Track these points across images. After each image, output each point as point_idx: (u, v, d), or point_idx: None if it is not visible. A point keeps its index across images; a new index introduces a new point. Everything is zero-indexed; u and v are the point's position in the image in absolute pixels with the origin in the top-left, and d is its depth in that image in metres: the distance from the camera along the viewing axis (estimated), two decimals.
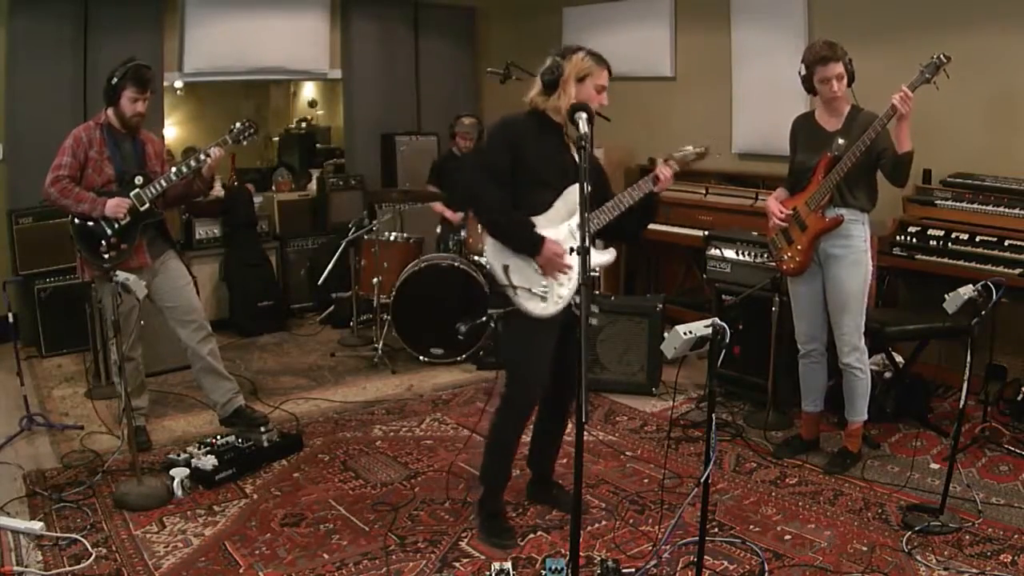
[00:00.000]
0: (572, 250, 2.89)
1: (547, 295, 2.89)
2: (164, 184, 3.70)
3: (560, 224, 2.94)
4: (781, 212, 3.54)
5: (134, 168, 3.73)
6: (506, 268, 2.89)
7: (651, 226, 5.99)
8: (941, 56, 3.17)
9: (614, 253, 3.13)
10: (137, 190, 3.68)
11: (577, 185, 2.92)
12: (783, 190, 3.64)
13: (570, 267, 2.91)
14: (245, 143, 3.97)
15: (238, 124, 3.91)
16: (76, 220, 3.68)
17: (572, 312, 2.94)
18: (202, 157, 3.74)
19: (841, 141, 3.35)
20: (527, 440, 3.31)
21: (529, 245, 2.87)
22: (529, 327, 2.90)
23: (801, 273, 3.55)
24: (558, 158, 2.95)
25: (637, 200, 2.99)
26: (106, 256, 3.58)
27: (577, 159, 2.96)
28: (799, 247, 3.50)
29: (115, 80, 3.63)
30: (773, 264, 4.23)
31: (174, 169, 3.72)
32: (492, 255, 2.94)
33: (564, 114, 2.85)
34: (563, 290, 2.92)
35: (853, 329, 3.47)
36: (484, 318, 4.71)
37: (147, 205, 3.69)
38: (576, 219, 2.93)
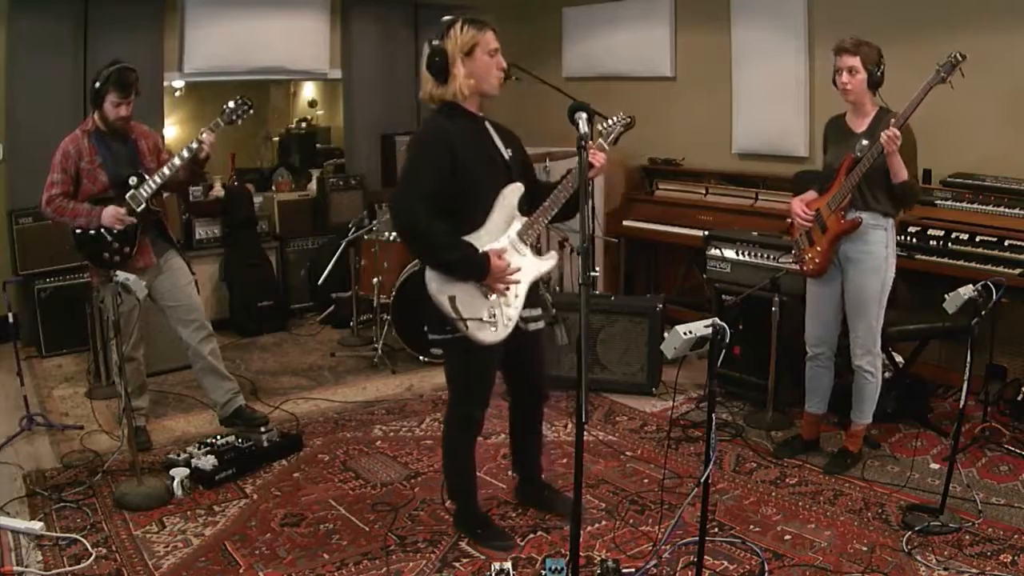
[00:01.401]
0: (572, 250, 2.87)
1: (496, 320, 2.75)
2: (159, 181, 3.67)
3: (500, 236, 2.79)
4: (805, 213, 3.54)
5: (128, 169, 3.70)
6: (452, 299, 2.70)
7: (651, 226, 5.97)
8: (957, 55, 3.14)
9: (555, 257, 3.01)
10: (132, 191, 3.66)
11: (511, 189, 2.80)
12: (813, 192, 3.63)
13: (518, 278, 2.79)
14: (240, 122, 3.83)
15: (231, 103, 3.78)
16: (77, 233, 3.67)
17: (519, 329, 2.85)
18: (194, 146, 3.66)
19: (864, 142, 3.33)
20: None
21: (477, 271, 2.70)
22: (473, 351, 2.77)
23: (821, 275, 3.54)
24: (487, 155, 2.79)
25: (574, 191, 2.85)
26: (110, 263, 3.59)
27: (501, 149, 2.83)
28: (819, 249, 3.49)
29: (98, 84, 3.59)
30: (773, 264, 4.25)
31: (167, 167, 3.67)
32: (436, 288, 2.71)
33: (472, 95, 2.73)
34: (511, 311, 2.79)
35: (867, 333, 3.47)
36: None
37: (143, 205, 3.68)
38: (515, 228, 2.82)
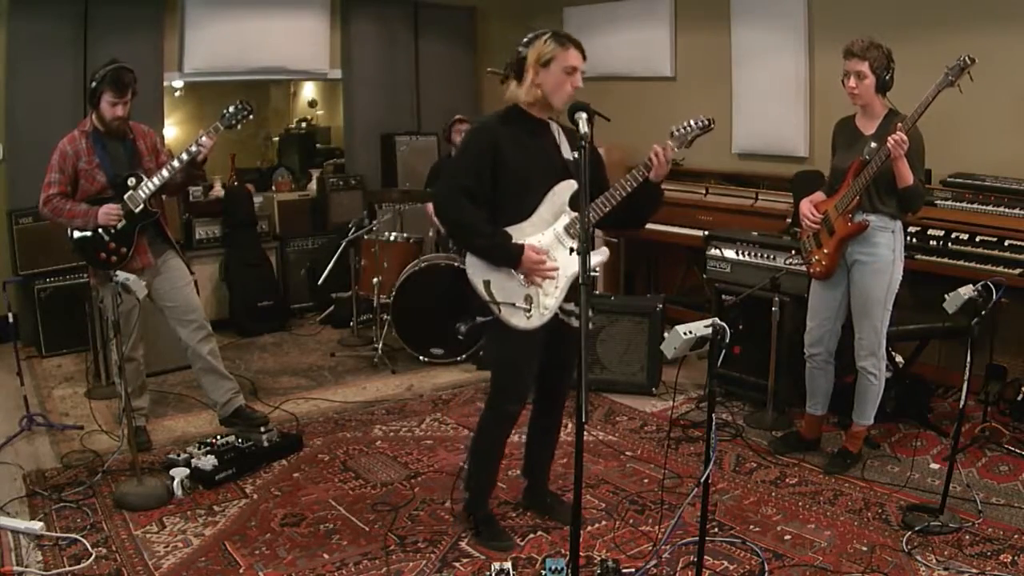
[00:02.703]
0: (572, 250, 2.85)
1: (531, 308, 2.81)
2: (157, 182, 3.67)
3: (545, 229, 2.84)
4: (813, 215, 3.53)
5: (126, 170, 3.69)
6: (487, 283, 2.80)
7: (651, 226, 5.95)
8: (966, 58, 3.12)
9: (606, 252, 2.99)
10: (130, 192, 3.66)
11: (563, 185, 2.83)
12: (821, 192, 3.62)
13: (554, 272, 2.81)
14: (239, 127, 3.82)
15: (231, 108, 3.76)
16: (74, 233, 3.67)
17: (560, 320, 2.87)
18: (193, 149, 3.65)
19: (873, 145, 3.32)
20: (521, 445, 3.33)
21: (508, 258, 2.78)
22: (512, 337, 2.83)
23: (828, 277, 3.53)
24: (541, 156, 2.84)
25: (631, 190, 2.81)
26: (107, 264, 3.59)
27: (564, 152, 2.87)
28: (826, 251, 3.49)
29: (94, 84, 3.58)
30: (773, 264, 4.25)
31: (166, 169, 3.66)
32: (472, 271, 2.84)
33: (538, 103, 2.79)
34: (549, 300, 2.82)
35: (872, 335, 3.46)
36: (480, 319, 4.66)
37: (141, 206, 3.68)
38: (562, 223, 2.85)
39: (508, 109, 2.86)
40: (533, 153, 2.83)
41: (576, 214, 2.85)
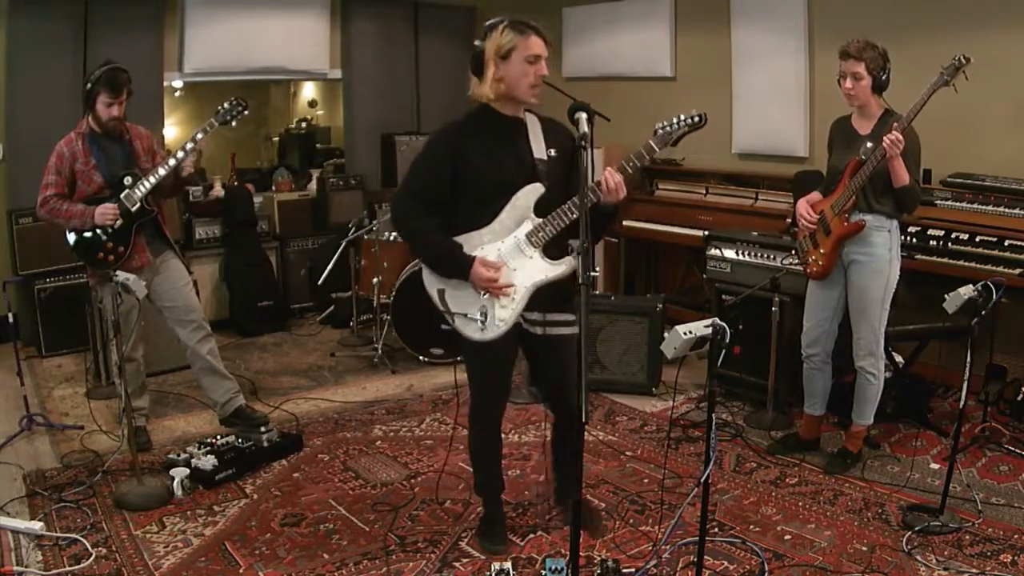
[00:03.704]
0: (572, 251, 2.82)
1: (485, 320, 2.74)
2: (153, 180, 3.67)
3: (506, 237, 2.73)
4: (809, 215, 3.53)
5: (122, 170, 3.69)
6: (441, 293, 2.78)
7: (651, 226, 5.94)
8: (961, 57, 3.13)
9: (569, 263, 2.79)
10: (126, 191, 3.66)
11: (526, 190, 2.72)
12: (818, 192, 3.62)
13: (506, 289, 2.72)
14: (235, 123, 3.79)
15: (225, 104, 3.75)
16: (71, 234, 3.67)
17: (525, 330, 2.81)
18: (189, 147, 3.65)
19: (869, 145, 3.31)
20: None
21: (457, 271, 2.71)
22: (472, 346, 2.80)
23: (825, 277, 3.53)
24: (507, 159, 2.71)
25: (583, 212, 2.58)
26: (105, 263, 3.59)
27: (536, 151, 2.74)
28: (822, 251, 3.49)
29: (89, 85, 3.59)
30: (773, 264, 4.25)
31: (162, 167, 3.66)
32: (427, 279, 2.81)
33: (503, 99, 2.65)
34: (504, 312, 2.73)
35: (870, 334, 3.46)
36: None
37: (138, 205, 3.68)
38: (524, 230, 2.73)
39: (476, 109, 2.74)
40: (498, 157, 2.70)
41: (540, 220, 2.73)
